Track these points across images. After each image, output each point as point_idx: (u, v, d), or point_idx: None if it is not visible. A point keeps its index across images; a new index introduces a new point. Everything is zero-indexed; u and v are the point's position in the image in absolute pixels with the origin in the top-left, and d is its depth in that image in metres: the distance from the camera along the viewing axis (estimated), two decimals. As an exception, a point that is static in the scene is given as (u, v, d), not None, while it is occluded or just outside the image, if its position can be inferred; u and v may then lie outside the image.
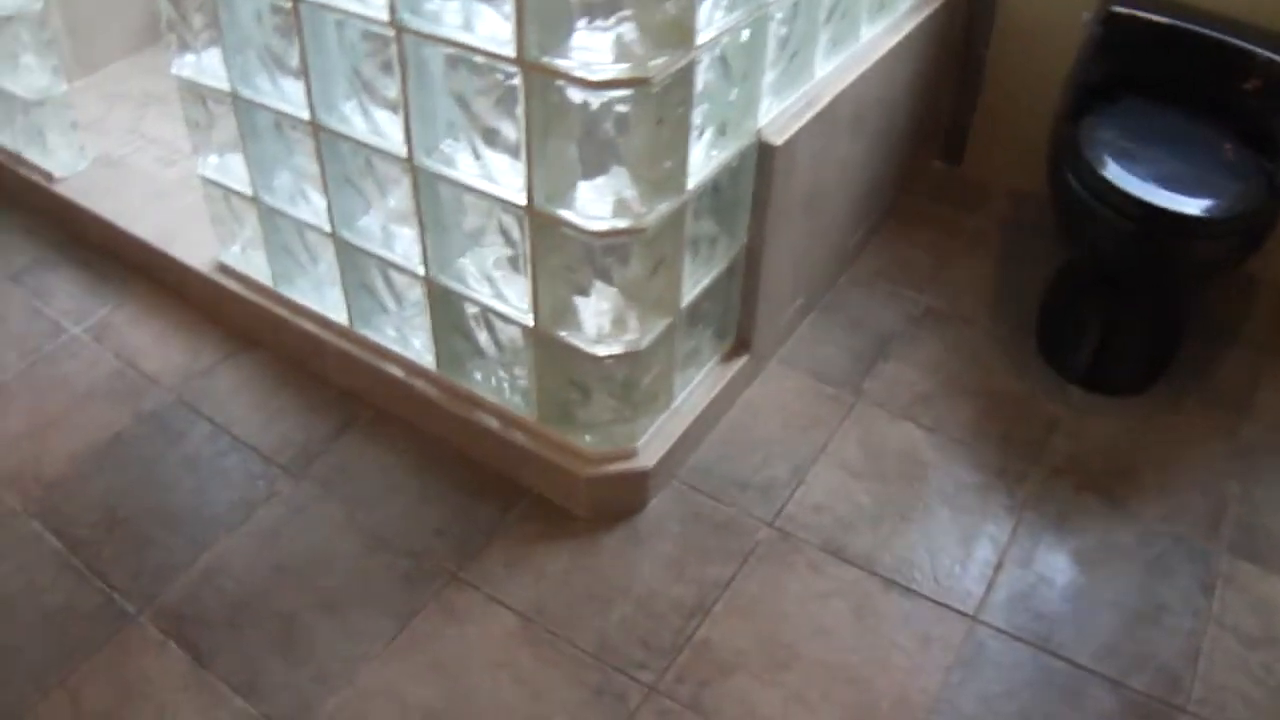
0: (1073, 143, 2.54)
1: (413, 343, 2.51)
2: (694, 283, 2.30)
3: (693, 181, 2.09)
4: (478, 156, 2.08)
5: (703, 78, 1.99)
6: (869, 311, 2.85)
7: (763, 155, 2.28)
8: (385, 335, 2.55)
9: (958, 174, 3.31)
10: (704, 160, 2.13)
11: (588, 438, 2.34)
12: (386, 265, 2.38)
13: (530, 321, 2.20)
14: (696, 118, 2.02)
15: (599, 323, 2.18)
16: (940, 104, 3.21)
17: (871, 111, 2.72)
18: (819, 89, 2.44)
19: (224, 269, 2.78)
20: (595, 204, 2.00)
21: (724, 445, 2.52)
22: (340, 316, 2.59)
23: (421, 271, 2.30)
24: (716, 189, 2.24)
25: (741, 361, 2.55)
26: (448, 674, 2.15)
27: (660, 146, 1.97)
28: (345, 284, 2.50)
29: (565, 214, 2.00)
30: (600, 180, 2.02)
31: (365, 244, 2.39)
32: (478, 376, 2.43)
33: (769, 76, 2.26)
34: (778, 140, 2.26)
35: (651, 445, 2.38)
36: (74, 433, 2.61)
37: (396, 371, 2.53)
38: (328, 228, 2.41)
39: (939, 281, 2.95)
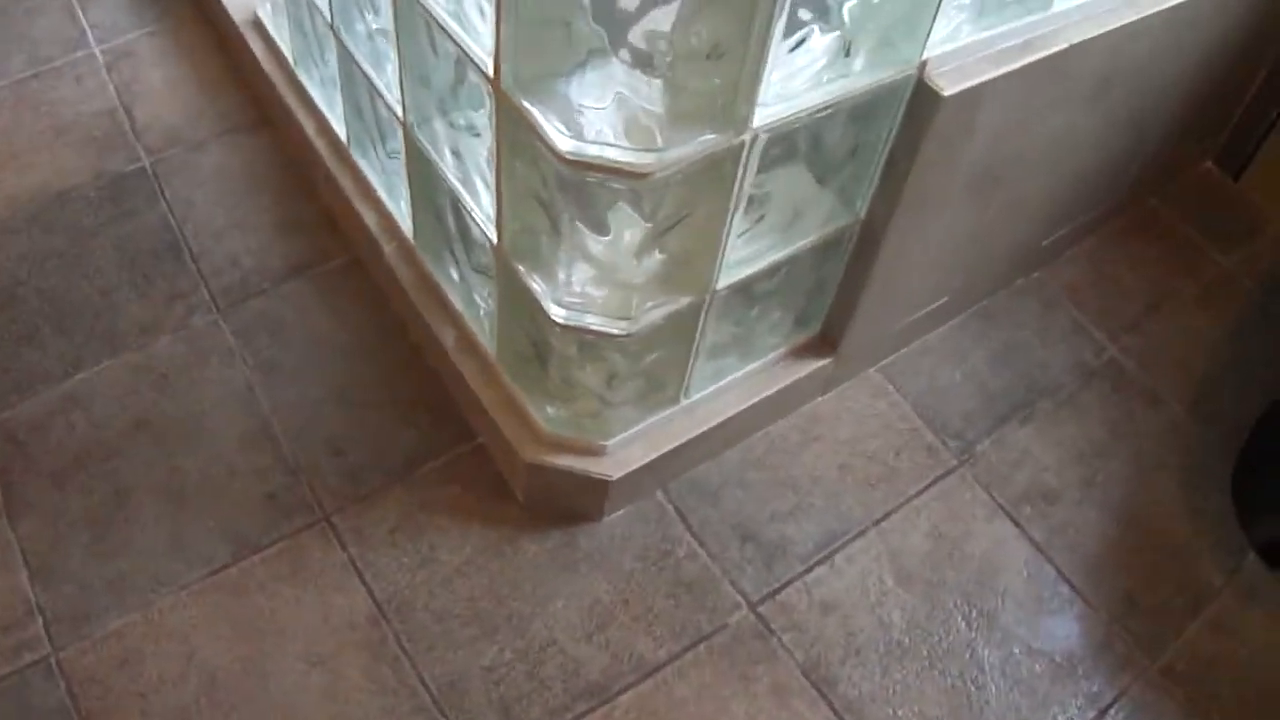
0: None
1: (398, 199, 1.71)
2: (754, 254, 1.42)
3: (763, 116, 1.20)
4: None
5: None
6: (1033, 341, 1.88)
7: (919, 102, 1.35)
8: (374, 173, 1.76)
9: (1231, 190, 2.21)
10: (795, 86, 1.23)
11: (549, 410, 1.53)
12: (374, 90, 1.57)
13: (494, 237, 1.38)
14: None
15: (570, 276, 1.34)
16: (1236, 93, 2.12)
17: (1130, 80, 1.70)
18: (1051, 27, 1.46)
19: (256, 24, 2.02)
20: (593, 115, 1.15)
21: (752, 467, 1.67)
22: (340, 130, 1.81)
23: (400, 113, 1.49)
24: (820, 133, 1.34)
25: (819, 364, 1.67)
26: (254, 645, 1.50)
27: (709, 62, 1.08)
28: (344, 95, 1.71)
29: (537, 114, 1.15)
30: (610, 72, 1.16)
31: (356, 53, 1.58)
32: (452, 273, 1.63)
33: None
34: (949, 87, 1.33)
35: (632, 447, 1.56)
36: (26, 173, 1.96)
37: (371, 222, 1.75)
38: (328, 16, 1.61)
39: (1143, 330, 1.93)
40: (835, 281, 1.59)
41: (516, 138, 1.23)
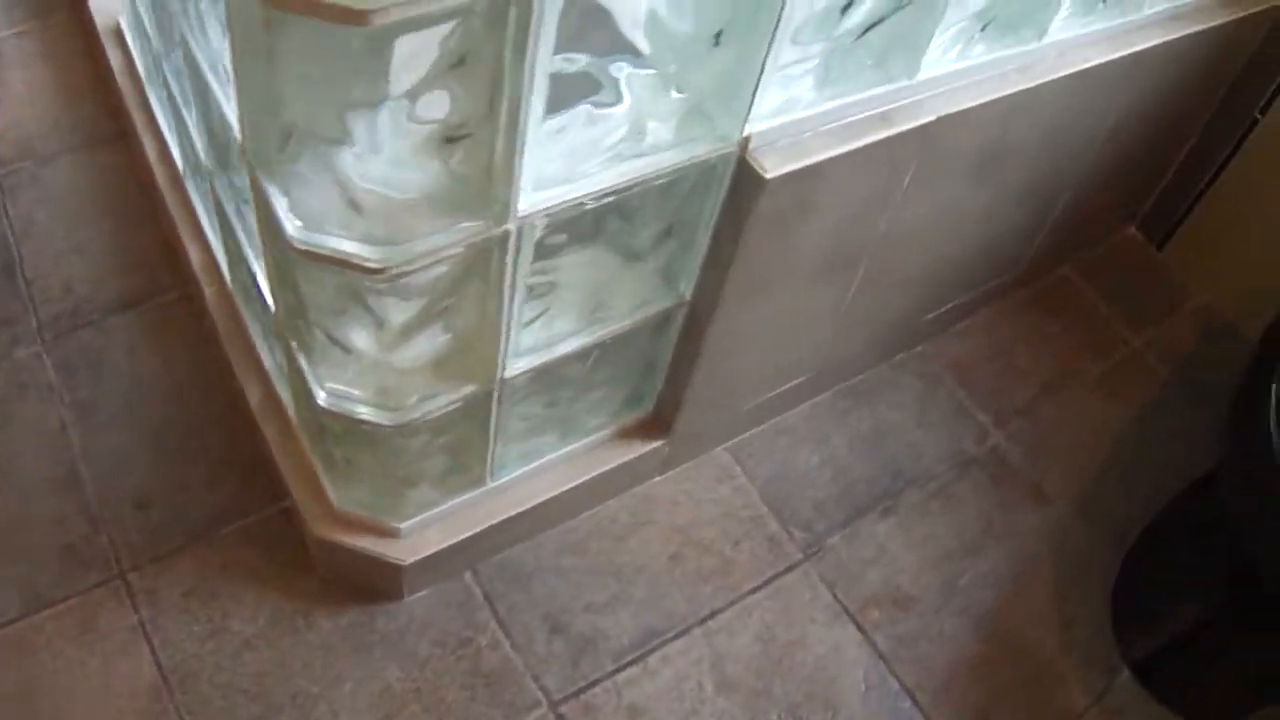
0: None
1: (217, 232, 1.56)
2: (551, 339, 1.26)
3: (531, 203, 1.04)
4: None
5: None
6: (906, 423, 1.70)
7: (741, 182, 1.19)
8: (202, 208, 1.61)
9: (1153, 259, 2.02)
10: (579, 168, 1.07)
11: (340, 486, 1.38)
12: (185, 127, 1.42)
13: (273, 306, 1.23)
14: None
15: (333, 361, 1.19)
16: (1163, 158, 1.93)
17: (1031, 149, 1.53)
18: (917, 97, 1.29)
19: (117, 33, 1.87)
20: (340, 198, 0.99)
21: (571, 551, 1.51)
22: (178, 157, 1.65)
23: (203, 157, 1.34)
24: (621, 213, 1.17)
25: (652, 446, 1.51)
26: (31, 708, 1.36)
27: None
28: (174, 123, 1.56)
29: (272, 192, 1.00)
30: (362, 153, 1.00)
31: (172, 85, 1.43)
32: (259, 328, 1.48)
33: (798, 51, 1.14)
34: (775, 167, 1.16)
35: (430, 530, 1.42)
36: None
37: (196, 260, 1.60)
38: (154, 41, 1.46)
39: (1034, 415, 1.75)
40: (666, 362, 1.42)
41: (263, 214, 1.07)
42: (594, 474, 1.47)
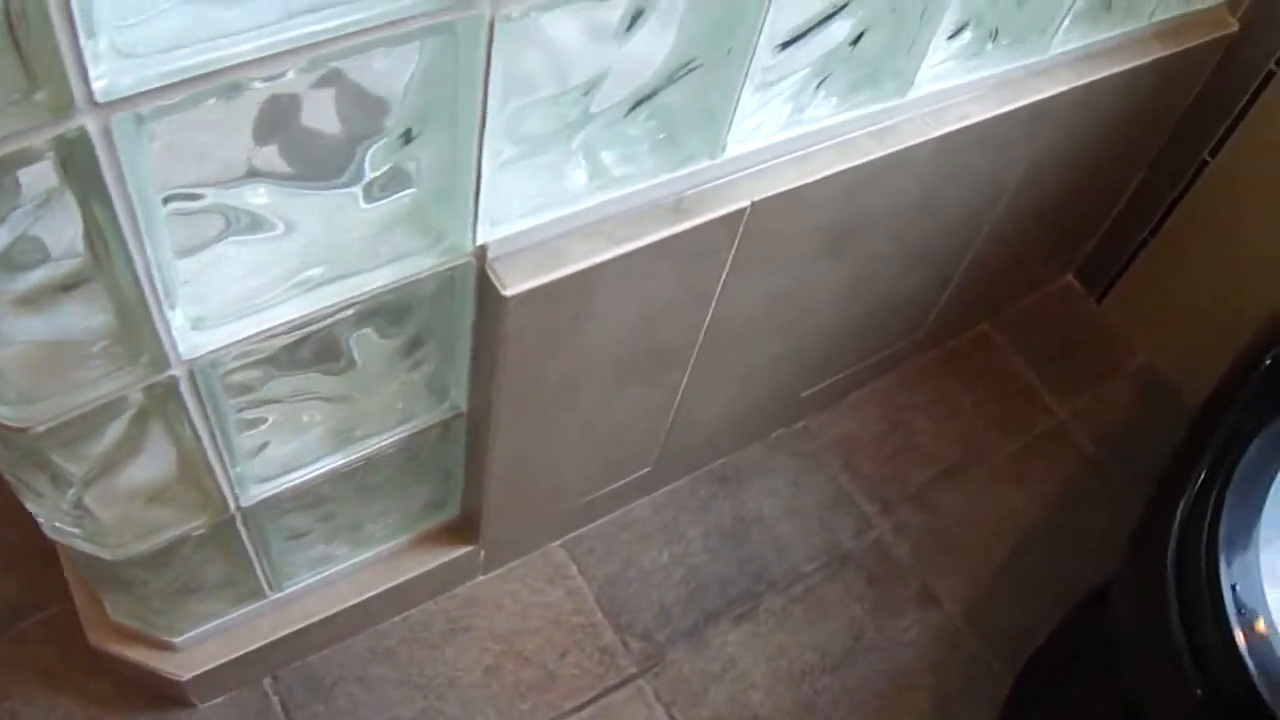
0: (1197, 519, 1.12)
1: None
2: (290, 464, 1.09)
3: (197, 346, 0.87)
4: None
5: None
6: (775, 514, 1.49)
7: (484, 297, 1.00)
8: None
9: (1090, 312, 1.77)
10: (256, 300, 0.89)
11: (108, 596, 1.24)
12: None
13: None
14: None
15: (46, 493, 1.03)
16: (1102, 203, 1.67)
17: (901, 217, 1.31)
18: (725, 177, 1.09)
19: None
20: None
21: (379, 659, 1.35)
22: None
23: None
24: (337, 337, 0.99)
25: (463, 550, 1.33)
26: None
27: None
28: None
29: None
30: None
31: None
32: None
33: (533, 140, 0.95)
34: (518, 281, 0.97)
35: (210, 644, 1.26)
36: None
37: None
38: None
39: (928, 502, 1.53)
40: (459, 468, 1.24)
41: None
42: (395, 582, 1.30)
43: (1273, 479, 1.21)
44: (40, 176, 0.75)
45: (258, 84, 0.76)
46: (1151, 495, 1.30)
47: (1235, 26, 1.54)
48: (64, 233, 0.79)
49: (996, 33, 1.28)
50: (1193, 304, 1.66)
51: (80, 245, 0.79)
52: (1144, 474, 1.56)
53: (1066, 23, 1.33)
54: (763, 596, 1.41)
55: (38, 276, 0.82)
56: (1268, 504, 1.20)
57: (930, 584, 1.45)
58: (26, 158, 0.71)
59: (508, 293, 0.97)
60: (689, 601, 1.39)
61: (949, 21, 1.18)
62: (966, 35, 1.25)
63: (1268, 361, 1.37)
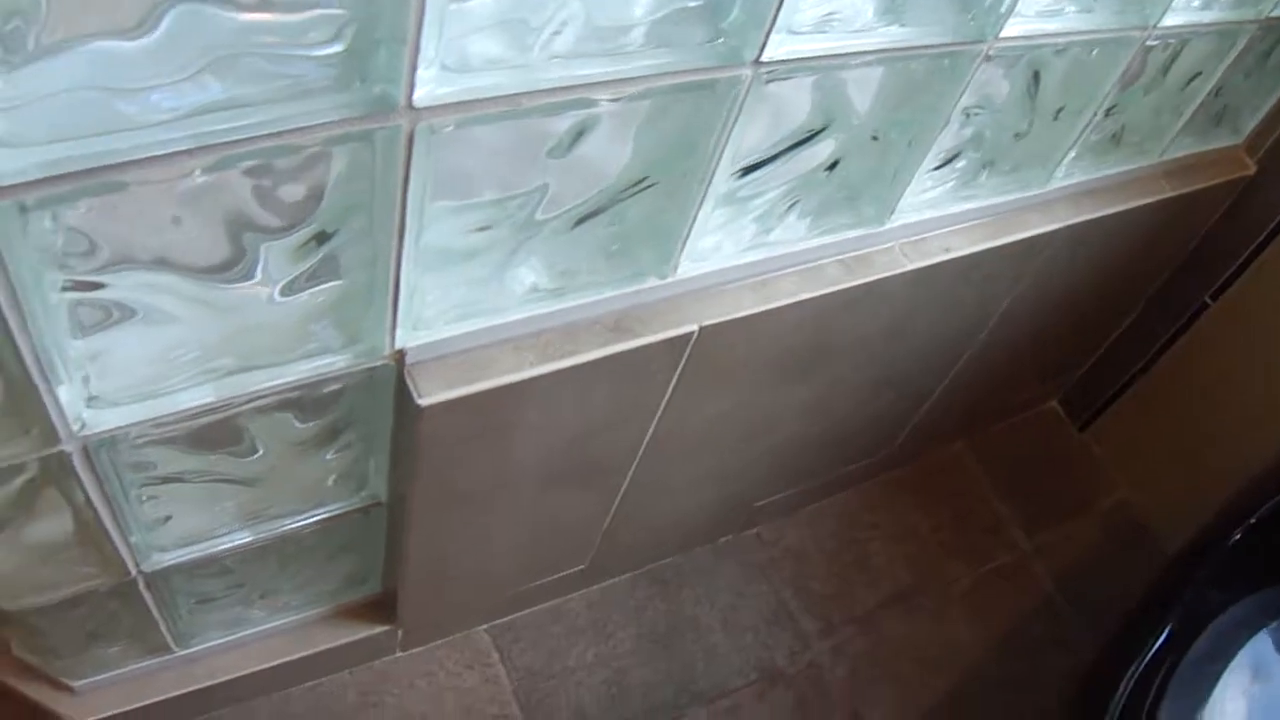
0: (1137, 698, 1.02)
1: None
2: (194, 538, 1.01)
3: (90, 423, 0.80)
4: None
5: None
6: (711, 623, 1.40)
7: (402, 402, 0.92)
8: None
9: (1071, 441, 1.66)
10: (154, 385, 0.82)
11: (13, 629, 1.17)
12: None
13: None
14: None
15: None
16: (1091, 337, 1.57)
17: (870, 346, 1.23)
18: (676, 294, 1.01)
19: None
20: None
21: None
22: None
23: None
24: (241, 427, 0.91)
25: (379, 629, 1.25)
26: None
27: None
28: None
29: None
30: None
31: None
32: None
33: (470, 247, 0.88)
34: (433, 390, 0.90)
35: (110, 691, 1.19)
36: None
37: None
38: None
39: (873, 627, 1.43)
40: (380, 550, 1.16)
41: None
42: (308, 652, 1.22)
43: (1219, 674, 1.11)
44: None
45: (150, 182, 0.69)
46: (1098, 656, 1.20)
47: (1252, 169, 1.44)
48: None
49: (991, 163, 1.19)
50: (1176, 447, 1.56)
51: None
52: (1100, 623, 1.45)
53: (1071, 156, 1.24)
54: (686, 709, 1.32)
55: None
56: (1211, 699, 1.10)
57: (861, 713, 1.36)
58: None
59: (422, 402, 0.89)
60: (609, 705, 1.30)
61: (938, 150, 1.09)
62: (958, 164, 1.16)
63: (1237, 535, 1.27)
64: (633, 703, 1.31)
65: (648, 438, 1.12)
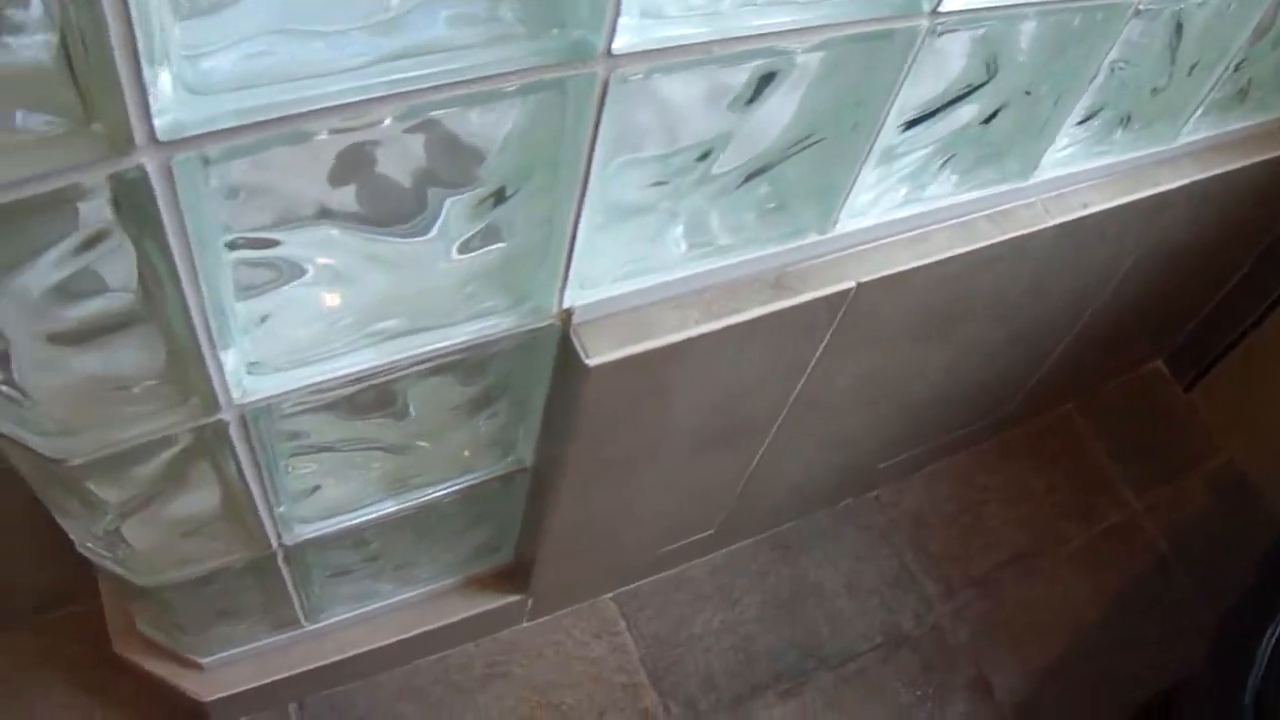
0: None
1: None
2: (339, 508, 0.97)
3: (246, 390, 0.76)
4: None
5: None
6: (835, 587, 1.36)
7: (566, 362, 0.87)
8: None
9: (1177, 402, 1.61)
10: (313, 350, 0.77)
11: (138, 608, 1.13)
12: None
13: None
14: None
15: (67, 519, 0.92)
16: (1199, 294, 1.51)
17: (1007, 303, 1.17)
18: (835, 252, 0.96)
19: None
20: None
21: (410, 697, 1.23)
22: None
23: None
24: (396, 392, 0.87)
25: (511, 599, 1.21)
26: None
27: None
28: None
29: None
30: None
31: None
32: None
33: (643, 202, 0.83)
34: (601, 350, 0.85)
35: (238, 667, 1.16)
36: None
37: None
38: None
39: (994, 588, 1.39)
40: (518, 518, 1.12)
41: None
42: (437, 624, 1.18)
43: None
44: (97, 209, 0.63)
45: (339, 130, 0.64)
46: (1231, 610, 1.15)
47: (1378, 122, 1.38)
48: (118, 267, 0.68)
49: (1128, 119, 1.14)
50: (1283, 405, 1.51)
51: (123, 285, 0.68)
52: (1211, 582, 1.41)
53: (1200, 112, 1.18)
54: (813, 673, 1.28)
55: (87, 310, 0.71)
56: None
57: (985, 674, 1.32)
58: (75, 195, 0.59)
59: (590, 362, 0.84)
60: (736, 671, 1.27)
61: (1082, 105, 1.04)
62: (1098, 119, 1.11)
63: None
64: (759, 669, 1.27)
65: (792, 398, 1.07)
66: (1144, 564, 1.44)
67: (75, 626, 1.27)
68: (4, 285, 0.67)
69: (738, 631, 1.29)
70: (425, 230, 0.75)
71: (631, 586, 1.30)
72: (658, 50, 0.68)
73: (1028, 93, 0.99)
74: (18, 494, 1.33)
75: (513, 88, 0.65)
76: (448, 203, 0.73)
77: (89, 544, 0.95)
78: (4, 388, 0.75)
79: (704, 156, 0.81)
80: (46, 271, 0.68)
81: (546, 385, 0.92)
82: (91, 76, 0.53)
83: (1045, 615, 1.37)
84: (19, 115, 0.57)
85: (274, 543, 0.96)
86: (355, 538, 1.03)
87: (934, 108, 0.92)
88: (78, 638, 1.26)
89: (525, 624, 1.26)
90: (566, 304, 0.84)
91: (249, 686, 1.16)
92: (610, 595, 1.29)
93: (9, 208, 0.57)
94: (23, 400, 0.75)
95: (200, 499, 0.91)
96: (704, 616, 1.29)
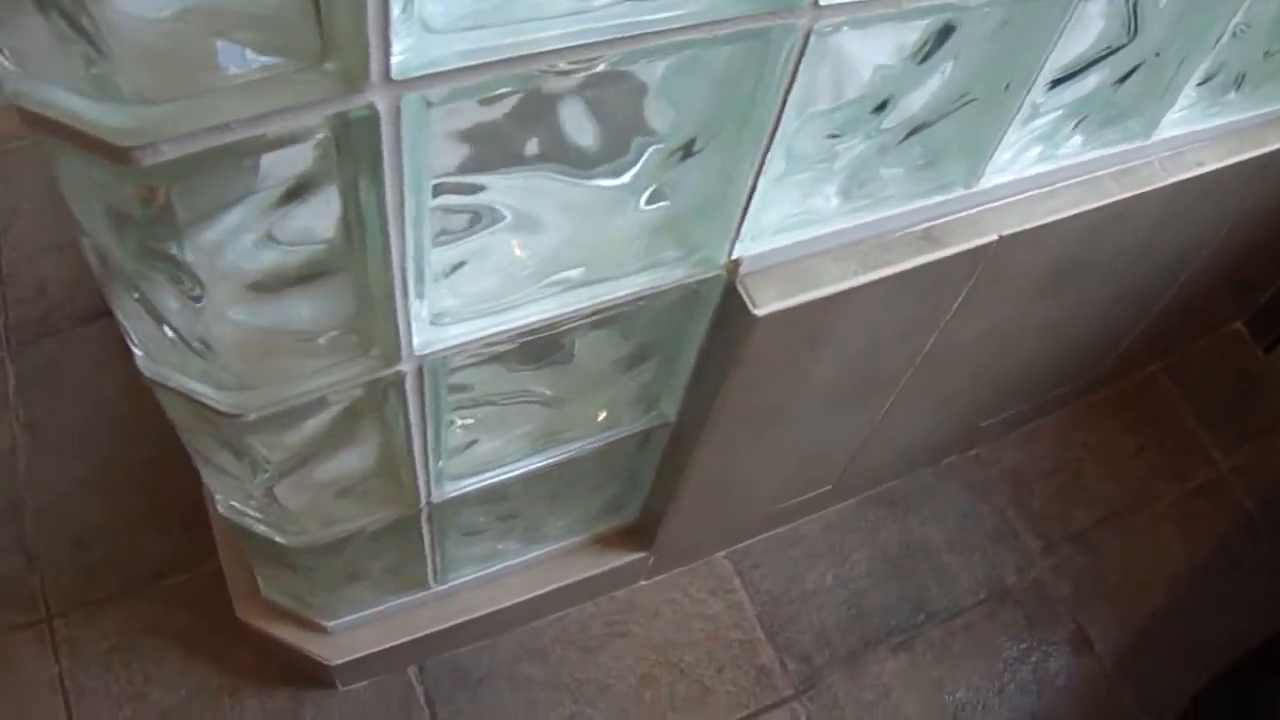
0: None
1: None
2: (487, 464, 0.97)
3: (428, 340, 0.75)
4: None
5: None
6: (939, 544, 1.36)
7: (730, 311, 0.86)
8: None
9: (1257, 364, 1.61)
10: (485, 302, 0.77)
11: (263, 573, 1.13)
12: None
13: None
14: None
15: (218, 479, 0.91)
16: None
17: (1119, 260, 1.17)
18: (976, 208, 0.95)
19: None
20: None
21: (531, 658, 1.23)
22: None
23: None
24: (560, 342, 0.87)
25: (633, 557, 1.20)
26: None
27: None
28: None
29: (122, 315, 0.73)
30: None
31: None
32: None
33: (813, 155, 0.82)
34: (769, 301, 0.84)
35: (364, 630, 1.16)
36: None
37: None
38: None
39: (1091, 543, 1.39)
40: (649, 474, 1.11)
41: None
42: (561, 584, 1.18)
43: None
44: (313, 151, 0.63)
45: (561, 73, 0.63)
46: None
47: None
48: (323, 214, 0.67)
49: (1242, 80, 1.13)
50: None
51: (323, 232, 0.67)
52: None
53: (1308, 75, 1.17)
54: (922, 627, 1.28)
55: (287, 257, 0.70)
56: None
57: (1085, 628, 1.32)
58: (296, 136, 0.58)
59: (758, 312, 0.83)
60: (849, 627, 1.26)
61: (1203, 68, 1.03)
62: (1216, 80, 1.10)
63: None
64: (872, 623, 1.27)
65: (923, 353, 1.06)
66: (1232, 523, 1.44)
67: (186, 594, 1.27)
68: (210, 228, 0.66)
69: (849, 587, 1.28)
70: (621, 174, 0.75)
71: (744, 545, 1.30)
72: (859, 2, 0.67)
73: (1158, 54, 0.98)
74: (138, 452, 1.33)
75: (722, 35, 0.64)
76: (649, 150, 0.72)
77: (235, 503, 0.94)
78: (188, 340, 0.74)
79: (879, 108, 0.80)
80: (253, 216, 0.67)
81: (701, 338, 0.91)
82: (335, 10, 0.52)
83: (1140, 571, 1.37)
84: (246, 53, 0.56)
85: (423, 500, 0.96)
86: (496, 494, 1.02)
87: (1079, 67, 0.92)
88: (191, 605, 1.26)
89: (643, 582, 1.26)
90: (735, 255, 0.83)
91: (374, 650, 1.15)
92: (724, 553, 1.29)
93: (230, 148, 0.56)
94: (205, 352, 0.75)
95: (359, 455, 0.91)
96: (816, 573, 1.29)
